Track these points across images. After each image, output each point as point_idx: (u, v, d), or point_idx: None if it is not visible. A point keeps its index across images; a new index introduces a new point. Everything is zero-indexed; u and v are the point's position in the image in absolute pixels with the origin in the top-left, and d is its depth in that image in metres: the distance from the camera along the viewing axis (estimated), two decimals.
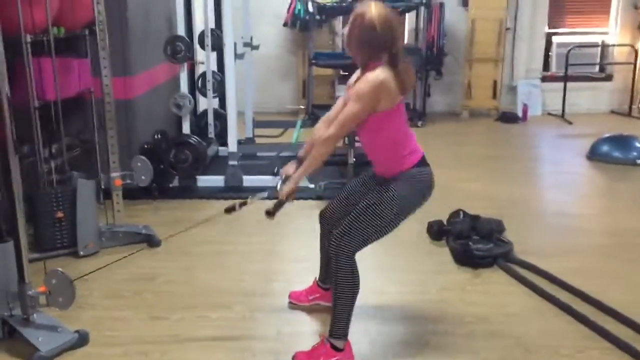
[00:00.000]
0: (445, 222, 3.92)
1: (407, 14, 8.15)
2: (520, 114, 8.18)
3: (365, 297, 3.10)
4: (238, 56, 4.86)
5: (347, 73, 8.37)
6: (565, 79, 8.12)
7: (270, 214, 2.55)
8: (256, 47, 5.96)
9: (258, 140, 6.16)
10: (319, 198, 4.74)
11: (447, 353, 2.67)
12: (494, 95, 8.32)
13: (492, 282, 3.34)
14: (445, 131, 7.53)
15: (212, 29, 5.39)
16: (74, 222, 3.58)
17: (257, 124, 6.13)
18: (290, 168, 2.69)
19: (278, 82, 8.49)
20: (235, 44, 5.09)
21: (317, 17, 7.78)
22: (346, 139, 4.85)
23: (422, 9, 7.66)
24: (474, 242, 3.67)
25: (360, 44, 2.44)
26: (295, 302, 3.04)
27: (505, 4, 8.01)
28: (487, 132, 7.67)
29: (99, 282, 3.33)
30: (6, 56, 2.75)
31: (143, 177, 3.77)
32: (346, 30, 2.48)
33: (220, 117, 5.80)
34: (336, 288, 2.50)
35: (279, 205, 2.55)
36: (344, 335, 2.53)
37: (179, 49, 4.63)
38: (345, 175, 4.97)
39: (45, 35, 3.61)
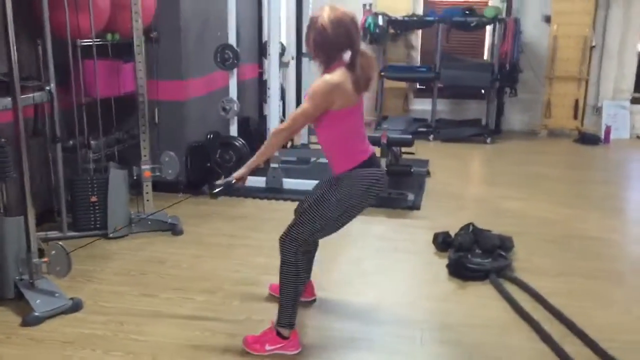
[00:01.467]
0: (451, 234, 3.93)
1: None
2: (602, 135, 7.79)
3: (343, 295, 3.28)
4: (283, 64, 5.13)
5: (424, 87, 8.46)
6: None
7: (214, 194, 2.72)
8: (310, 57, 6.19)
9: (314, 147, 6.39)
10: None
11: (389, 353, 2.74)
12: (575, 116, 8.00)
13: (475, 295, 3.33)
14: (515, 149, 7.36)
15: None
16: (106, 206, 4.01)
17: (313, 131, 6.36)
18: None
19: None
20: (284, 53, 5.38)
21: (392, 30, 7.94)
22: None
23: (496, 24, 7.55)
24: (474, 255, 3.68)
25: (316, 47, 2.58)
26: (274, 294, 3.21)
27: (591, 21, 7.70)
28: (561, 152, 7.40)
29: (117, 261, 3.73)
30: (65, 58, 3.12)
31: (170, 171, 4.13)
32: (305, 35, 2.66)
33: None
34: (280, 279, 2.67)
35: (227, 186, 2.72)
36: (289, 325, 2.69)
37: (228, 57, 4.99)
38: None
39: (99, 40, 4.11)
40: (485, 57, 8.41)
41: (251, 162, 2.73)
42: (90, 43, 4.02)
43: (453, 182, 5.75)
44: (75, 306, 3.08)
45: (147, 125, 4.11)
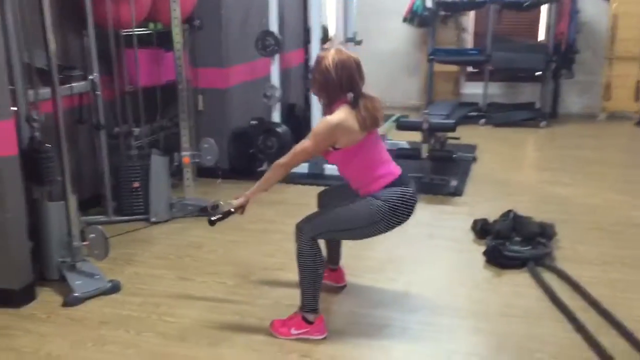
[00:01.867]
0: (491, 221, 3.84)
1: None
2: None
3: (374, 281, 3.27)
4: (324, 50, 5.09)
5: (477, 70, 8.25)
6: None
7: (212, 222, 2.79)
8: (359, 43, 6.15)
9: None
10: None
11: (417, 341, 2.72)
12: (637, 98, 7.62)
13: (511, 283, 3.25)
14: (571, 134, 7.10)
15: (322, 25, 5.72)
16: (148, 192, 4.12)
17: None
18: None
19: (404, 77, 8.58)
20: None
21: (442, 12, 7.78)
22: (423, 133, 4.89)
23: (552, 3, 7.25)
24: (513, 242, 3.58)
25: (319, 87, 2.67)
26: None
27: None
28: (619, 136, 7.09)
29: (156, 245, 3.84)
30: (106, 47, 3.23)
31: (209, 157, 4.20)
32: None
33: None
34: (298, 267, 2.68)
35: (225, 215, 2.79)
36: (312, 310, 2.70)
37: (269, 44, 5.00)
38: (421, 169, 5.00)
39: (142, 30, 4.22)
40: (541, 38, 8.11)
41: (250, 193, 2.80)
42: (133, 32, 4.12)
43: (500, 167, 5.60)
44: (114, 288, 3.19)
45: (186, 113, 4.19)
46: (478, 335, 2.76)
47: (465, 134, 6.74)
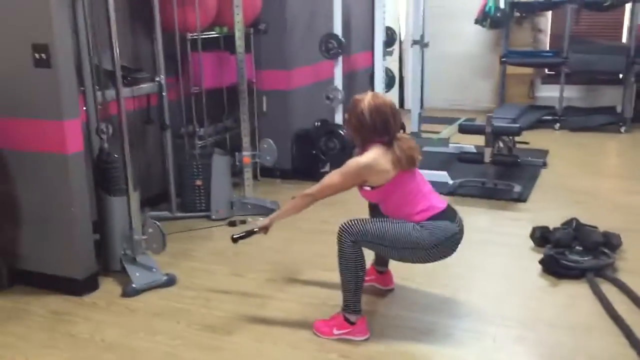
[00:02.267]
0: (551, 229, 3.71)
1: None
2: None
3: (424, 286, 3.25)
4: (387, 53, 5.09)
5: (553, 72, 7.97)
6: None
7: (235, 239, 2.93)
8: (426, 45, 6.09)
9: (424, 136, 6.30)
10: (450, 194, 4.79)
11: (457, 348, 2.67)
12: None
13: (567, 293, 3.14)
14: None
15: (386, 27, 5.71)
16: (209, 190, 4.26)
17: (424, 120, 6.27)
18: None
19: (477, 80, 8.42)
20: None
21: (516, 14, 7.57)
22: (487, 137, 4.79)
23: (635, 3, 6.90)
24: (573, 252, 3.45)
25: (355, 129, 2.74)
26: None
27: None
28: None
29: (214, 241, 3.96)
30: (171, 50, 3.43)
31: (268, 158, 4.30)
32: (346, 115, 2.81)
33: None
34: (339, 268, 2.70)
35: (248, 234, 2.92)
36: (354, 311, 2.72)
37: (332, 46, 5.05)
38: (485, 174, 4.90)
39: (208, 33, 4.38)
40: (625, 39, 7.73)
41: (275, 216, 2.95)
42: (200, 36, 4.27)
43: (572, 173, 5.39)
44: (170, 281, 3.33)
45: (247, 114, 4.30)
46: (522, 345, 2.68)
47: (539, 139, 6.59)
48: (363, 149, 2.75)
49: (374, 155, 2.65)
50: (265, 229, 2.96)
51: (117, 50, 3.16)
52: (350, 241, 2.65)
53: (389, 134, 2.67)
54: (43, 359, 2.67)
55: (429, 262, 2.76)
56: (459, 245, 2.77)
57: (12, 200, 3.19)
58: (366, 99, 2.68)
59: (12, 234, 3.26)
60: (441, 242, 2.66)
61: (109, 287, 3.32)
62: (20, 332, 2.88)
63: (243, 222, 3.20)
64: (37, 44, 2.91)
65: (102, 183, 3.40)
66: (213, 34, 4.48)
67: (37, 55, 2.92)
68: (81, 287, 3.22)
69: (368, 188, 2.75)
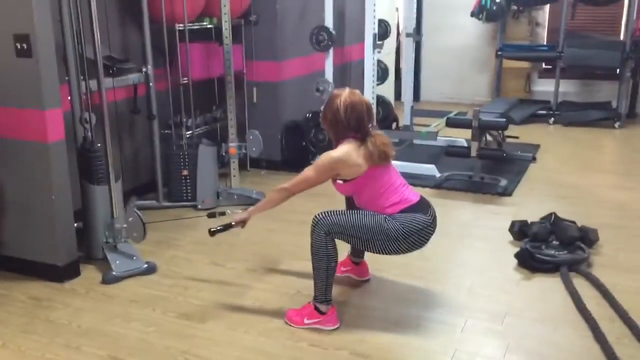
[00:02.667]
0: (529, 223, 3.74)
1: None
2: None
3: (398, 277, 3.29)
4: (378, 46, 5.10)
5: (550, 66, 7.96)
6: None
7: (212, 233, 3.01)
8: (419, 38, 6.09)
9: (416, 129, 6.31)
10: (436, 187, 4.82)
11: (424, 339, 2.71)
12: None
13: (539, 287, 3.18)
14: None
15: (380, 20, 5.72)
16: (195, 180, 4.31)
17: (415, 113, 6.29)
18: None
19: (474, 74, 8.42)
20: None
21: (514, 7, 7.56)
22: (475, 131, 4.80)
23: None
24: (549, 246, 3.49)
25: (329, 124, 2.82)
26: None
27: None
28: None
29: (198, 230, 4.00)
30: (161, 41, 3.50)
31: (254, 149, 4.34)
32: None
33: (384, 103, 6.15)
34: (311, 257, 2.75)
35: (225, 228, 2.99)
36: (325, 301, 2.77)
37: (322, 38, 5.08)
38: (473, 168, 4.92)
39: (197, 24, 4.41)
40: (622, 35, 7.71)
41: (252, 210, 3.00)
42: (189, 27, 4.30)
43: (560, 168, 5.41)
44: (150, 269, 3.38)
45: (234, 105, 4.34)
46: (489, 337, 2.72)
47: (532, 133, 6.60)
48: (337, 143, 2.81)
49: (346, 150, 2.71)
50: (242, 223, 3.02)
51: (98, 40, 3.20)
52: (323, 232, 2.70)
53: (362, 131, 2.74)
54: (20, 343, 2.73)
55: (400, 253, 2.80)
56: (431, 237, 2.82)
57: None
58: (343, 96, 2.75)
59: None
60: (412, 234, 2.70)
61: (90, 274, 3.38)
62: (0, 317, 2.94)
63: (222, 213, 3.25)
64: (18, 34, 2.95)
65: (85, 172, 3.45)
66: (203, 26, 4.50)
67: (18, 45, 2.96)
68: (62, 273, 3.28)
69: (341, 181, 2.80)
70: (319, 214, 2.75)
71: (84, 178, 3.46)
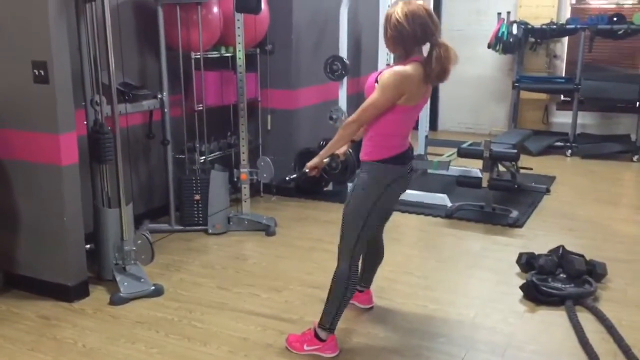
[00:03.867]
0: (536, 255, 3.72)
1: None
2: None
3: (402, 306, 3.29)
4: None
5: (568, 98, 7.94)
6: None
7: (289, 180, 3.04)
8: None
9: (430, 158, 6.33)
10: (447, 216, 4.82)
11: None
12: None
13: (543, 320, 3.15)
14: None
15: None
16: (207, 205, 4.38)
17: (430, 142, 6.32)
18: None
19: (491, 104, 8.45)
20: None
21: (531, 39, 7.59)
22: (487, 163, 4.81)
23: None
24: (556, 279, 3.47)
25: (394, 42, 2.60)
26: None
27: None
28: None
29: (207, 255, 4.07)
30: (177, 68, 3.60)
31: (265, 175, 4.40)
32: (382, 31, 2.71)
33: None
34: (331, 284, 2.77)
35: (301, 175, 2.97)
36: (329, 328, 2.78)
37: (336, 68, 5.16)
38: (485, 198, 4.91)
39: (214, 53, 4.53)
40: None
41: (323, 153, 2.87)
42: (205, 56, 4.42)
43: (574, 201, 5.37)
44: (157, 292, 3.44)
45: (246, 132, 4.42)
46: None
47: (549, 165, 6.58)
48: (401, 64, 2.59)
49: (410, 68, 2.54)
50: (316, 169, 2.92)
51: (113, 67, 3.31)
52: (348, 256, 2.72)
53: (430, 39, 2.54)
54: None
55: (393, 202, 2.82)
56: (406, 185, 2.80)
57: (10, 207, 3.35)
58: (398, 8, 2.55)
59: (8, 240, 3.41)
60: (391, 183, 2.69)
61: (99, 294, 3.44)
62: (9, 335, 3.01)
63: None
64: (37, 61, 3.07)
65: (95, 154, 3.47)
66: (216, 54, 4.61)
67: (36, 72, 3.08)
68: (71, 293, 3.35)
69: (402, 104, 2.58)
70: (339, 244, 2.78)
71: (94, 160, 3.49)
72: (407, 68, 2.54)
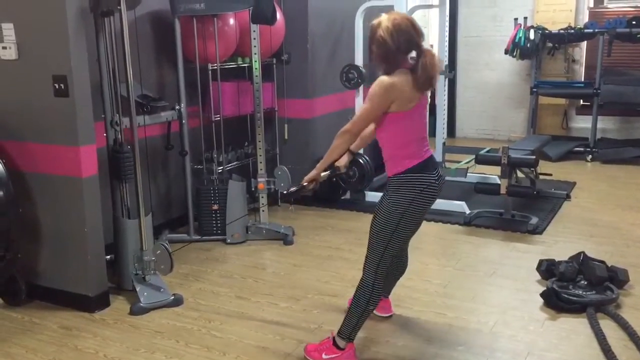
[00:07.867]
0: (557, 262, 3.69)
1: None
2: None
3: (421, 314, 3.28)
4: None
5: (588, 103, 7.87)
6: None
7: (286, 195, 3.00)
8: (450, 76, 6.14)
9: (448, 166, 6.30)
10: (466, 224, 4.79)
11: None
12: None
13: (564, 327, 3.11)
14: None
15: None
16: (225, 214, 4.41)
17: (448, 149, 6.30)
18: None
19: (510, 110, 8.39)
20: None
21: (549, 44, 7.55)
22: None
23: None
24: (577, 286, 3.43)
25: (379, 58, 2.63)
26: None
27: None
28: None
29: (225, 264, 4.09)
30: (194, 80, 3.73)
31: (282, 184, 4.40)
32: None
33: None
34: (355, 293, 2.77)
35: (299, 190, 2.93)
36: (347, 337, 2.77)
37: (352, 76, 5.18)
38: (504, 205, 4.87)
39: (231, 64, 4.58)
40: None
41: (320, 165, 2.89)
42: (222, 67, 4.46)
43: (595, 207, 5.31)
44: (176, 301, 3.46)
45: (262, 141, 4.45)
46: None
47: (569, 170, 6.52)
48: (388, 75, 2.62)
49: (398, 77, 2.56)
50: (315, 182, 2.92)
51: (131, 80, 3.36)
52: (374, 268, 2.72)
53: (416, 49, 2.56)
54: None
55: (420, 213, 2.72)
56: (436, 195, 2.73)
57: (31, 219, 3.40)
58: (383, 24, 2.57)
59: (30, 251, 3.46)
60: (421, 192, 2.64)
61: (119, 305, 3.48)
62: (31, 345, 3.05)
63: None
64: (57, 75, 3.13)
65: (115, 173, 3.54)
66: (233, 65, 4.65)
67: (56, 85, 3.14)
68: (93, 303, 3.39)
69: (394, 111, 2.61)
70: (365, 255, 2.78)
71: (114, 178, 3.56)
72: (393, 77, 2.56)
